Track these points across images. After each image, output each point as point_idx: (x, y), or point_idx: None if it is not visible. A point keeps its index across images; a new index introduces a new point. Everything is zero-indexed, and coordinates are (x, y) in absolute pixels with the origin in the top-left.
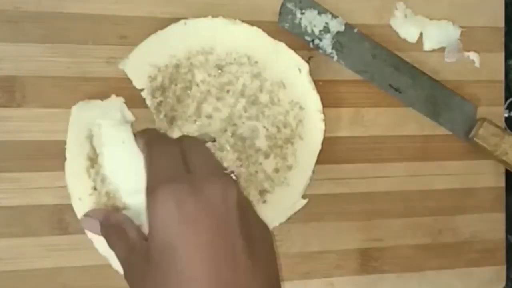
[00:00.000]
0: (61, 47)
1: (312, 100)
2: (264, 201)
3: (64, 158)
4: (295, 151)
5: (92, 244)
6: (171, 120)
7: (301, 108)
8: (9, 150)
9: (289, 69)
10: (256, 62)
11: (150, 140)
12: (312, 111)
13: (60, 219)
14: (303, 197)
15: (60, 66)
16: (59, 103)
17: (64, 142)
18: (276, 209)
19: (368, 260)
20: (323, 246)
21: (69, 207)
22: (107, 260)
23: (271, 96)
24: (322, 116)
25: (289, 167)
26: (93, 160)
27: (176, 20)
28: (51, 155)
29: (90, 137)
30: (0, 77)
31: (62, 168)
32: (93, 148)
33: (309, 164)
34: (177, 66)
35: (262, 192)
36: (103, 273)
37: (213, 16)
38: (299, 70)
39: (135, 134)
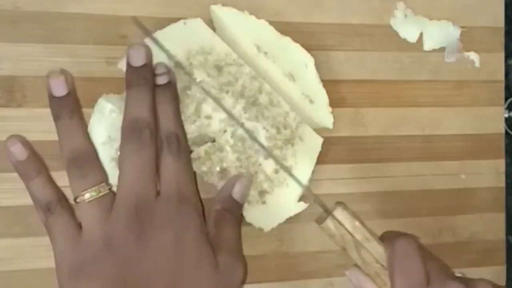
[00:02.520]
0: (61, 47)
1: (319, 94)
2: (264, 202)
3: None
4: (295, 152)
5: None
6: None
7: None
8: None
9: (290, 68)
10: None
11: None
12: (319, 105)
13: None
14: (303, 197)
15: (60, 66)
16: None
17: None
18: (276, 210)
19: None
20: (323, 246)
21: None
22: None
23: (270, 98)
24: (330, 109)
25: (289, 168)
26: None
27: (176, 20)
28: (51, 155)
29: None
30: (0, 77)
31: (62, 168)
32: None
33: (309, 165)
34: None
35: (262, 193)
36: None
37: None
38: (305, 66)
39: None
